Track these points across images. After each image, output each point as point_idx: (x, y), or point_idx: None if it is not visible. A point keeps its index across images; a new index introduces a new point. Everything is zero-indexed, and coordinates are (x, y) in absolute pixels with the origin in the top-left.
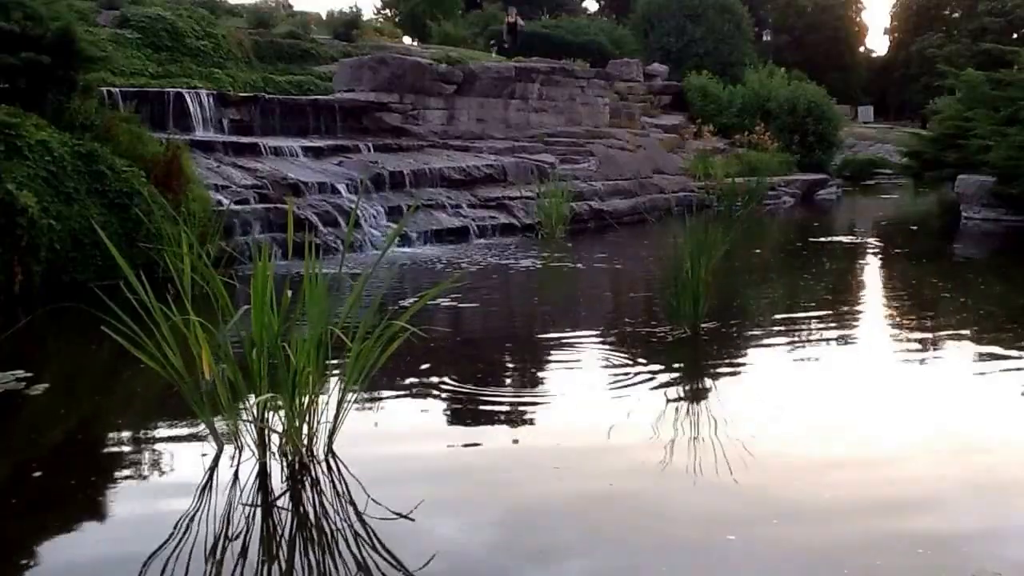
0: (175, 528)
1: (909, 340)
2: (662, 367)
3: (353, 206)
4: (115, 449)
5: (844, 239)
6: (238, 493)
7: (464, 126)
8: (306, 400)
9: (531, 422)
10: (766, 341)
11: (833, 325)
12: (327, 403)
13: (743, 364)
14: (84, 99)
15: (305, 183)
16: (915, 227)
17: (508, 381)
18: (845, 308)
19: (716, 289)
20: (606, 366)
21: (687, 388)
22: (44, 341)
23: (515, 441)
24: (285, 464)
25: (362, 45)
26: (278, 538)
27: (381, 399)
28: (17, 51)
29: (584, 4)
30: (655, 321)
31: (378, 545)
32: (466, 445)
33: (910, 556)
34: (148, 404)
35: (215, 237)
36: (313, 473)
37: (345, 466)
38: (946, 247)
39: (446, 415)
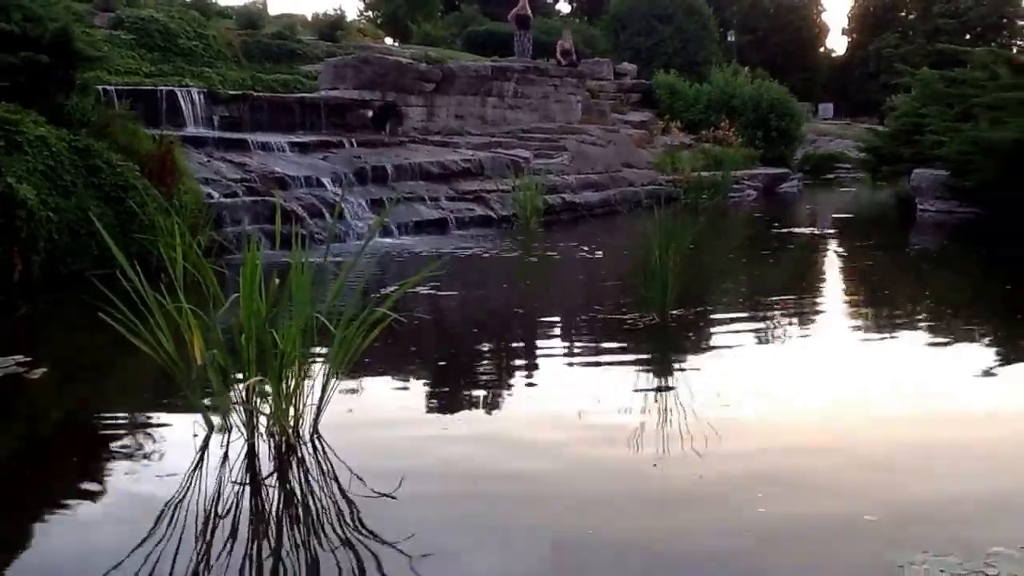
0: (168, 505)
1: (866, 324)
2: (632, 351)
3: (337, 199)
4: (110, 430)
5: (805, 230)
6: (228, 472)
7: (443, 122)
8: (292, 383)
9: (506, 402)
10: (731, 326)
11: (794, 311)
12: (313, 386)
13: (710, 348)
14: (81, 97)
15: (292, 177)
16: (873, 218)
17: (484, 365)
18: (806, 295)
19: (683, 278)
20: (579, 350)
21: (656, 371)
22: (43, 328)
23: (490, 418)
24: (272, 445)
25: (346, 45)
26: (266, 515)
27: (364, 382)
28: (17, 51)
29: (557, 6)
30: (625, 308)
31: (360, 522)
32: (444, 426)
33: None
34: (142, 387)
35: (206, 228)
36: (299, 453)
37: (329, 446)
38: (902, 238)
39: (425, 397)
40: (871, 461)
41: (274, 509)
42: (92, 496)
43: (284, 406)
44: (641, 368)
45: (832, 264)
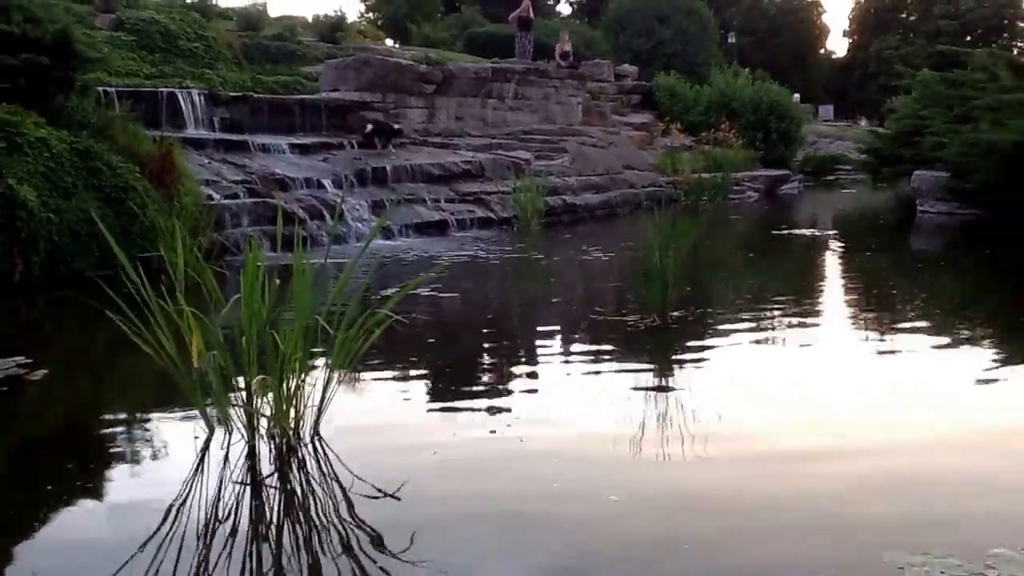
0: (169, 507)
1: (867, 326)
2: (633, 353)
3: (338, 200)
4: (111, 432)
5: (806, 231)
6: (228, 473)
7: (443, 124)
8: (293, 385)
9: (506, 404)
10: (731, 328)
11: (794, 313)
12: (313, 388)
13: (709, 350)
14: (82, 98)
15: (292, 178)
16: (873, 220)
17: (484, 367)
18: (807, 297)
19: (684, 279)
20: (580, 352)
21: (657, 372)
22: (43, 329)
23: (491, 419)
24: (273, 446)
25: (346, 47)
26: (266, 516)
27: (365, 384)
28: (17, 52)
29: (557, 8)
30: (625, 310)
31: (362, 523)
32: (445, 427)
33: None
34: (143, 389)
35: (207, 230)
36: (300, 455)
37: (330, 447)
38: (903, 239)
39: (426, 398)
40: (871, 462)
41: (275, 510)
42: (93, 497)
43: (285, 407)
44: (642, 369)
45: (833, 266)
